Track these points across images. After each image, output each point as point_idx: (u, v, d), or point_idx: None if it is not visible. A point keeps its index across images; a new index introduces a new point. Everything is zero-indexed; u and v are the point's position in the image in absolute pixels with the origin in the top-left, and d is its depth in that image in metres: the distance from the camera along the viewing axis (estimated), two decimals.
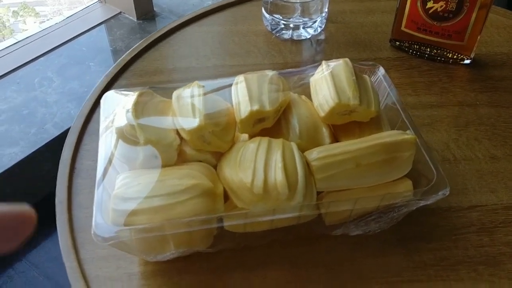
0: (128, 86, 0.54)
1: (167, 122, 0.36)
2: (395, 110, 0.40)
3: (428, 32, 0.56)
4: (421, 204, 0.35)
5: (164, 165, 0.35)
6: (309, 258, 0.39)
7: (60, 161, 0.46)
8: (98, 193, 0.33)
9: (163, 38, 0.62)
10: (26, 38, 1.33)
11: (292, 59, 0.59)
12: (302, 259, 0.39)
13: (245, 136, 0.38)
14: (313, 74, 0.41)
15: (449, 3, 0.52)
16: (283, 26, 0.61)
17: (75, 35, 1.37)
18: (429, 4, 0.54)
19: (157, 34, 0.62)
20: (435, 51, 0.58)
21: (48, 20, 1.48)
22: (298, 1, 0.59)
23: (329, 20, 0.64)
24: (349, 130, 0.38)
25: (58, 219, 0.41)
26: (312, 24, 0.61)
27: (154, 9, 1.48)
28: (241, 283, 0.37)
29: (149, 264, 0.38)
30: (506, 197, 0.43)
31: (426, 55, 0.58)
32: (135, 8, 1.41)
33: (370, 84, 0.39)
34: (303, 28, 0.61)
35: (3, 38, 1.64)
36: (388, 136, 0.36)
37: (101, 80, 0.55)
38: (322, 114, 0.38)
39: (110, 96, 0.40)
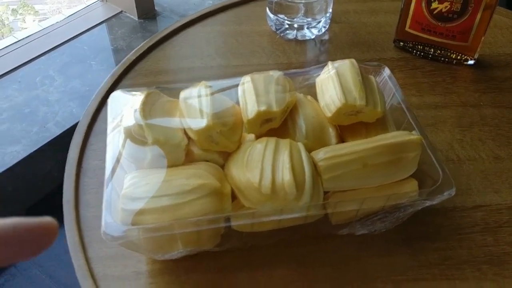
0: (133, 86, 0.54)
1: (174, 122, 0.36)
2: (400, 111, 0.40)
3: (432, 33, 0.56)
4: (426, 204, 0.35)
5: (172, 165, 0.35)
6: (315, 257, 0.39)
7: (67, 160, 0.46)
8: (106, 193, 0.34)
9: (167, 38, 0.62)
10: (28, 36, 1.34)
11: (297, 59, 0.59)
12: (308, 259, 0.39)
13: (252, 136, 0.38)
14: (317, 75, 0.41)
15: (454, 3, 0.53)
16: (287, 26, 0.61)
17: (76, 34, 1.37)
18: (434, 5, 0.54)
19: (161, 34, 0.62)
20: (439, 51, 0.58)
21: (47, 18, 1.48)
22: (302, 1, 0.59)
23: (333, 20, 0.65)
24: (356, 131, 0.38)
25: (66, 218, 0.41)
26: (316, 25, 0.62)
27: (155, 8, 1.48)
28: (247, 282, 0.38)
29: (156, 263, 0.38)
30: (510, 197, 0.44)
31: (430, 56, 0.59)
32: (136, 7, 1.41)
33: (375, 85, 0.40)
34: (307, 28, 0.61)
35: (2, 36, 1.64)
36: (394, 136, 0.36)
37: (105, 80, 0.55)
38: (328, 114, 0.38)
39: (117, 96, 0.40)
